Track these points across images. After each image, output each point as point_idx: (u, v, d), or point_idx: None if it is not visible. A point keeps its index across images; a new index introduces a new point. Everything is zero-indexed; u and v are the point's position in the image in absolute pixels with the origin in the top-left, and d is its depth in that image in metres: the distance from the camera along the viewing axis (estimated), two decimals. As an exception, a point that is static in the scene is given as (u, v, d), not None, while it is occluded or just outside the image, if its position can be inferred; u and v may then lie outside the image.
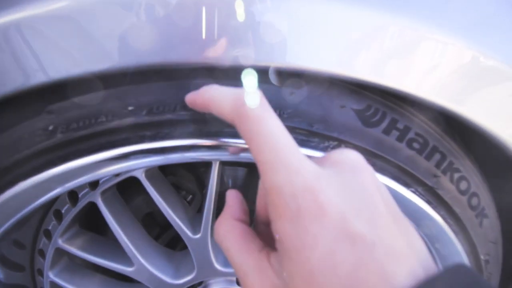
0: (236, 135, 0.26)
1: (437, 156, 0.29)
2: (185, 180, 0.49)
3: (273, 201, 0.15)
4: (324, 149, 0.25)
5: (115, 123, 0.23)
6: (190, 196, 0.49)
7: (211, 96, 0.18)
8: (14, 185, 0.25)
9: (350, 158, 0.16)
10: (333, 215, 0.13)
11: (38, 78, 0.23)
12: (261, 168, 0.15)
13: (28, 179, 0.24)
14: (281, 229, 0.14)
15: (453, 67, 0.26)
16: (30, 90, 0.23)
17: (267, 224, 0.18)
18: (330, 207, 0.14)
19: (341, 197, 0.14)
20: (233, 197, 0.19)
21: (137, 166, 0.25)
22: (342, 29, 0.23)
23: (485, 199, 0.35)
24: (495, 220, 0.37)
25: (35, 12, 0.21)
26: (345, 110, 0.27)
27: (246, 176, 0.53)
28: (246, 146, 0.22)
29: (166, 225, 0.51)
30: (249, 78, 0.25)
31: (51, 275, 0.44)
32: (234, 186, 0.52)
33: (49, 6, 0.21)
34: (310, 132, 0.25)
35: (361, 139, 0.27)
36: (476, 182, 0.33)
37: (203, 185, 0.50)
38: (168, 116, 0.23)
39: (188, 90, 0.22)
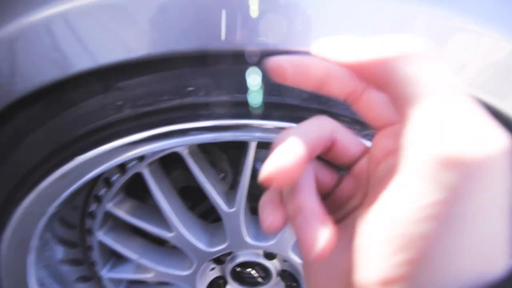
0: (280, 118, 0.28)
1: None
2: (219, 159, 0.52)
3: None
4: (365, 136, 0.26)
5: (176, 102, 0.26)
6: (223, 174, 0.52)
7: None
8: (85, 152, 0.28)
9: None
10: None
11: (108, 58, 0.26)
12: None
13: (99, 147, 0.28)
14: None
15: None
16: (101, 69, 0.26)
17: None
18: None
19: None
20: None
21: (191, 142, 0.28)
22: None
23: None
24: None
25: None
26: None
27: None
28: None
29: (199, 199, 0.55)
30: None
31: (99, 235, 0.50)
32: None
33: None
34: (353, 119, 0.26)
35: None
36: None
37: (234, 165, 0.53)
38: (224, 97, 0.25)
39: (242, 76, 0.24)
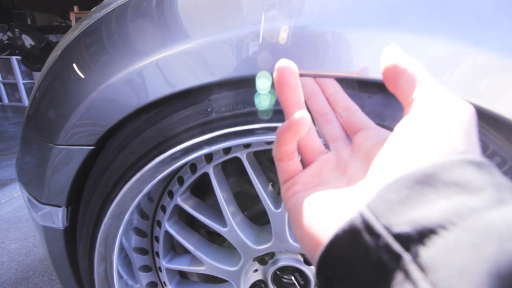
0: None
1: (497, 159, 0.34)
2: (269, 170, 0.61)
3: None
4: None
5: (248, 109, 0.37)
6: (271, 182, 0.60)
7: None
8: (181, 144, 0.40)
9: None
10: None
11: (206, 79, 0.38)
12: None
13: (192, 139, 0.39)
14: None
15: None
16: (199, 87, 0.39)
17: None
18: None
19: None
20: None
21: (257, 140, 0.38)
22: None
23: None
24: None
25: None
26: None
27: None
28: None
29: (249, 205, 0.63)
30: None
31: (167, 225, 0.60)
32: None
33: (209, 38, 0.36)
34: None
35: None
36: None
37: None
38: (279, 107, 0.35)
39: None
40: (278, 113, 0.36)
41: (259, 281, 0.60)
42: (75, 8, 3.74)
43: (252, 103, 0.37)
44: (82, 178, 0.52)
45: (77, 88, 0.49)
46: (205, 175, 0.53)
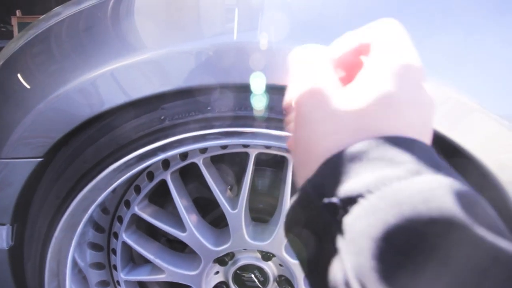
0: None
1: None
2: (226, 174, 0.64)
3: None
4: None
5: (199, 116, 0.40)
6: (229, 186, 0.63)
7: None
8: (136, 151, 0.41)
9: None
10: None
11: (159, 89, 0.41)
12: None
13: (146, 146, 0.40)
14: None
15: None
16: (153, 96, 0.41)
17: None
18: None
19: None
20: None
21: (209, 145, 0.41)
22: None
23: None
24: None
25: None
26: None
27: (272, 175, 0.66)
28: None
29: (208, 210, 0.65)
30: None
31: (124, 236, 0.59)
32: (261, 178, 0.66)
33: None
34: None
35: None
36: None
37: (238, 179, 0.64)
38: (230, 113, 0.39)
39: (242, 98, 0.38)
40: (232, 119, 0.40)
41: (221, 282, 0.62)
42: (18, 13, 3.45)
43: (204, 110, 0.40)
44: (29, 192, 0.50)
45: (23, 99, 0.48)
46: (164, 183, 0.54)
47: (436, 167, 0.16)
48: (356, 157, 0.17)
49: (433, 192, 0.14)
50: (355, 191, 0.15)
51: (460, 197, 0.14)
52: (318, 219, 0.17)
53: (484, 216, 0.14)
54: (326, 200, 0.16)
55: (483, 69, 0.38)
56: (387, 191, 0.15)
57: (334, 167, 0.17)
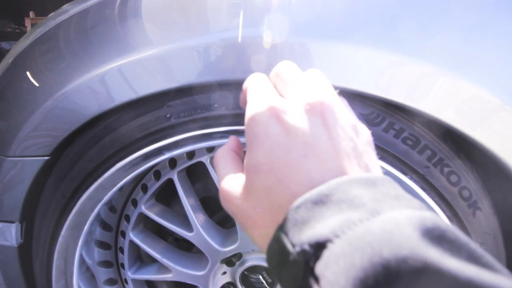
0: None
1: (428, 152, 0.39)
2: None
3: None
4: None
5: (205, 114, 0.38)
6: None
7: None
8: (141, 150, 0.40)
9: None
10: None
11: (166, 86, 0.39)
12: None
13: (152, 145, 0.40)
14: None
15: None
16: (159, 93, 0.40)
17: None
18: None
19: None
20: (234, 137, 0.26)
21: (216, 144, 0.40)
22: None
23: (477, 194, 0.42)
24: (490, 215, 0.44)
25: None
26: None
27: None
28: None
29: (215, 209, 0.64)
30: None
31: (131, 235, 0.59)
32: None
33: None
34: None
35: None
36: (467, 178, 0.42)
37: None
38: (237, 111, 0.37)
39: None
40: (238, 117, 0.38)
41: (228, 283, 0.61)
42: (31, 14, 3.53)
43: (210, 108, 0.39)
44: (37, 191, 0.50)
45: (31, 97, 0.48)
46: (171, 182, 0.53)
47: (396, 200, 0.17)
48: (321, 200, 0.17)
49: (395, 231, 0.14)
50: (324, 237, 0.16)
51: (424, 230, 0.14)
52: (293, 267, 0.17)
53: (454, 244, 0.14)
54: (297, 247, 0.17)
55: (508, 65, 0.36)
56: (351, 235, 0.15)
57: (301, 212, 0.18)
